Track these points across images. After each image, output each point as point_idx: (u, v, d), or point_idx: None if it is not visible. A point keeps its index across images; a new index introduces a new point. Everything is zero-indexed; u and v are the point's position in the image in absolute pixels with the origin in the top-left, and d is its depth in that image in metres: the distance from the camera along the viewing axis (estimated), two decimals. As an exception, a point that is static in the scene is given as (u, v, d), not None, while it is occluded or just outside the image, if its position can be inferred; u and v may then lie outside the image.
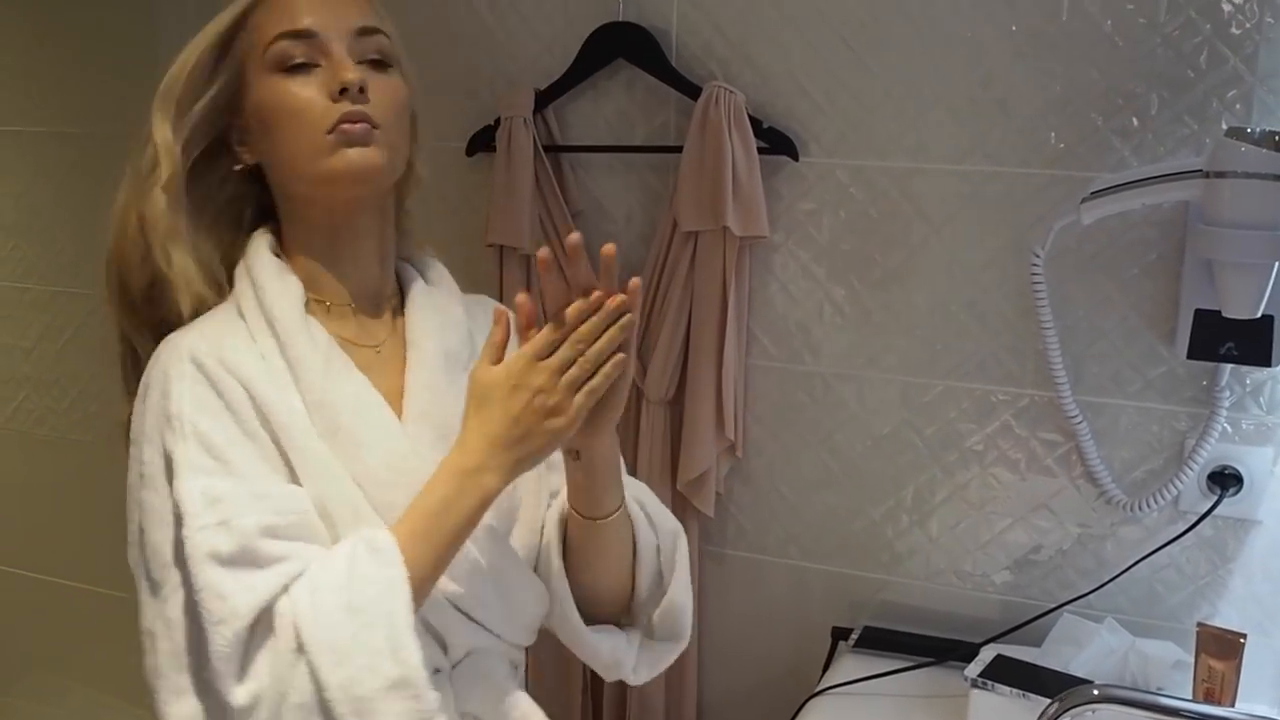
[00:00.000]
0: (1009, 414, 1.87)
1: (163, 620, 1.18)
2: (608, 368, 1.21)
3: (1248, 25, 1.66)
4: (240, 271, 1.32)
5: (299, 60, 1.26)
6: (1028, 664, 1.71)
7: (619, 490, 1.35)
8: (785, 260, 1.96)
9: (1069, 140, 1.77)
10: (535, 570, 1.39)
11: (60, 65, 2.52)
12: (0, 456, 2.77)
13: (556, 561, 1.39)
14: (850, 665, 1.87)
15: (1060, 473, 1.85)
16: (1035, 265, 1.74)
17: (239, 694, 1.13)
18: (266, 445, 1.22)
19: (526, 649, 1.44)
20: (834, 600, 2.03)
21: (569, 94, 2.01)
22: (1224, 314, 1.63)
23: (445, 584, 1.26)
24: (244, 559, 1.15)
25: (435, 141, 2.09)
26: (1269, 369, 1.70)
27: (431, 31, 2.11)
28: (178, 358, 1.22)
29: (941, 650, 1.87)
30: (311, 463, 1.23)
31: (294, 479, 1.23)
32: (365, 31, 1.28)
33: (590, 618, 1.41)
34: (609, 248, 1.19)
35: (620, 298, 1.20)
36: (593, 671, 2.07)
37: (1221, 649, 1.60)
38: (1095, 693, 1.29)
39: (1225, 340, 1.67)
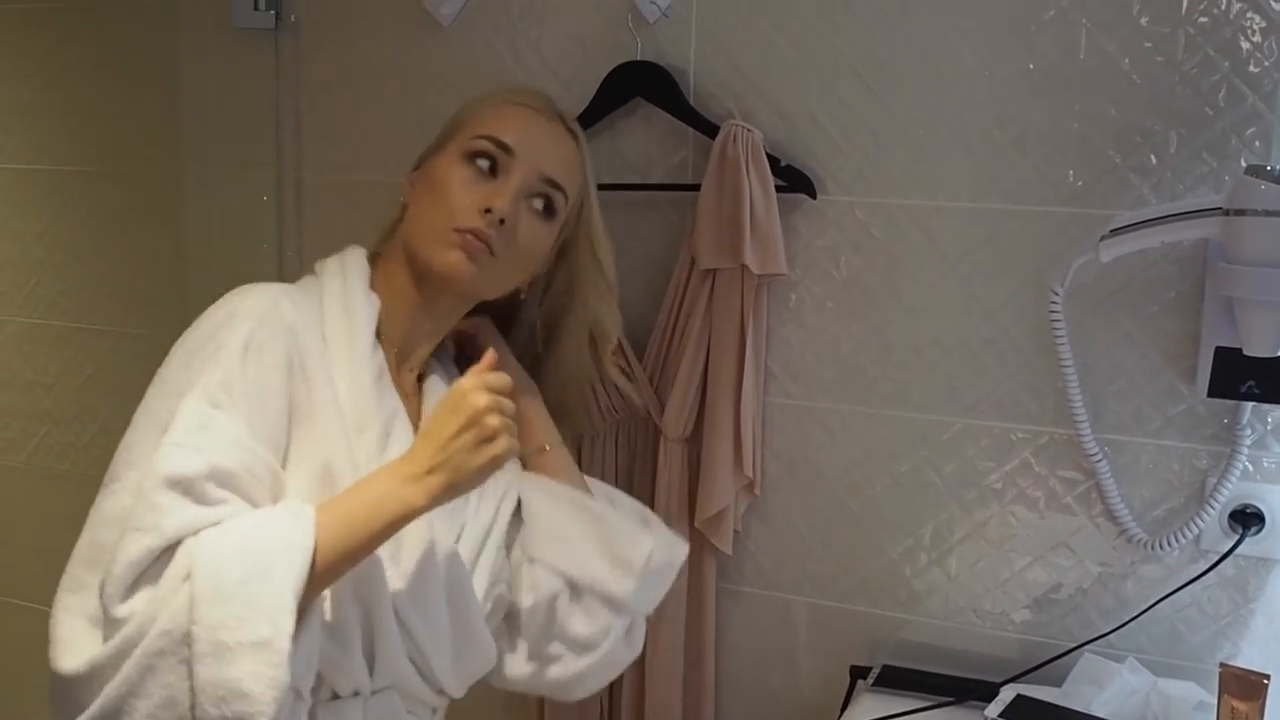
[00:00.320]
0: (1028, 452, 1.86)
1: (98, 513, 1.26)
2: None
3: (1266, 63, 1.66)
4: (335, 268, 1.48)
5: (485, 162, 1.46)
6: (1049, 704, 1.70)
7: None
8: (803, 298, 1.96)
9: (1087, 178, 1.77)
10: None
11: (82, 104, 2.54)
12: (21, 492, 2.77)
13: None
14: (869, 704, 1.86)
15: (1080, 511, 1.84)
16: (1054, 303, 1.73)
17: (120, 607, 1.18)
18: (281, 414, 1.32)
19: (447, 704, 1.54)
20: (852, 639, 2.02)
21: (587, 132, 2.00)
22: (1245, 352, 1.63)
23: (409, 611, 1.34)
24: (193, 490, 1.20)
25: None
26: (1290, 407, 1.70)
27: (451, 72, 2.13)
28: (254, 299, 1.34)
29: (961, 690, 1.85)
30: (317, 449, 1.33)
31: (293, 459, 1.33)
32: (549, 182, 1.48)
33: None
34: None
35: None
36: (610, 703, 2.09)
37: (1245, 690, 1.59)
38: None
39: (1246, 378, 1.66)
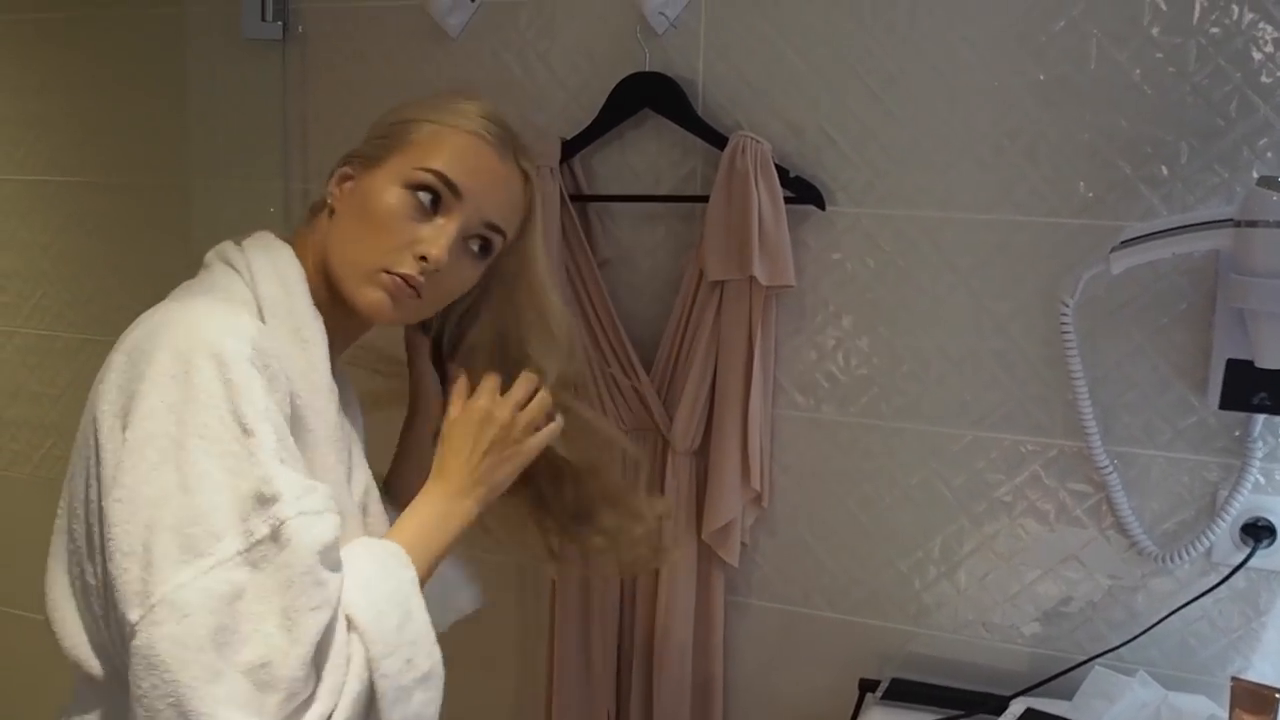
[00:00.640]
0: (1038, 464, 1.85)
1: (211, 596, 1.07)
2: (554, 425, 1.46)
3: (1278, 73, 1.66)
4: (263, 267, 1.30)
5: (428, 197, 1.31)
6: (1059, 717, 1.69)
7: None
8: (812, 310, 1.95)
9: (1098, 189, 1.77)
10: None
11: (89, 115, 2.54)
12: (27, 504, 2.77)
13: None
14: (878, 718, 1.85)
15: (1090, 524, 1.84)
16: (1064, 315, 1.73)
17: (309, 684, 1.13)
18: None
19: None
20: (861, 652, 2.01)
21: (596, 143, 2.02)
22: (1256, 364, 1.62)
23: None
24: (331, 553, 1.17)
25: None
26: (1302, 420, 1.69)
27: (459, 83, 2.12)
28: (235, 339, 1.15)
29: (970, 703, 1.84)
30: (326, 480, 1.25)
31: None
32: (491, 226, 1.36)
33: None
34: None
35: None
36: (618, 717, 2.08)
37: (1256, 704, 1.58)
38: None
39: (1258, 390, 1.66)
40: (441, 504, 1.36)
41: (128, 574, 1.09)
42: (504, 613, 2.24)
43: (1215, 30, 1.68)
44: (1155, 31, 1.71)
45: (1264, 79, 1.67)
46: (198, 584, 1.07)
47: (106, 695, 1.23)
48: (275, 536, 1.11)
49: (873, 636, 2.00)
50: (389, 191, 1.31)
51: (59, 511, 1.28)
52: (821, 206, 1.90)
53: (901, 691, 1.90)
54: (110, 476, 1.13)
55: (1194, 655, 1.81)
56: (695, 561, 2.01)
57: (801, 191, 1.89)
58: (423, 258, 1.29)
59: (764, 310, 1.91)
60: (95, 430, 1.17)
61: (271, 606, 1.10)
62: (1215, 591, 1.76)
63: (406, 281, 1.29)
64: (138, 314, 1.27)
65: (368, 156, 1.35)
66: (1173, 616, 1.78)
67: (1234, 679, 1.61)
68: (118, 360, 1.19)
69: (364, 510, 1.33)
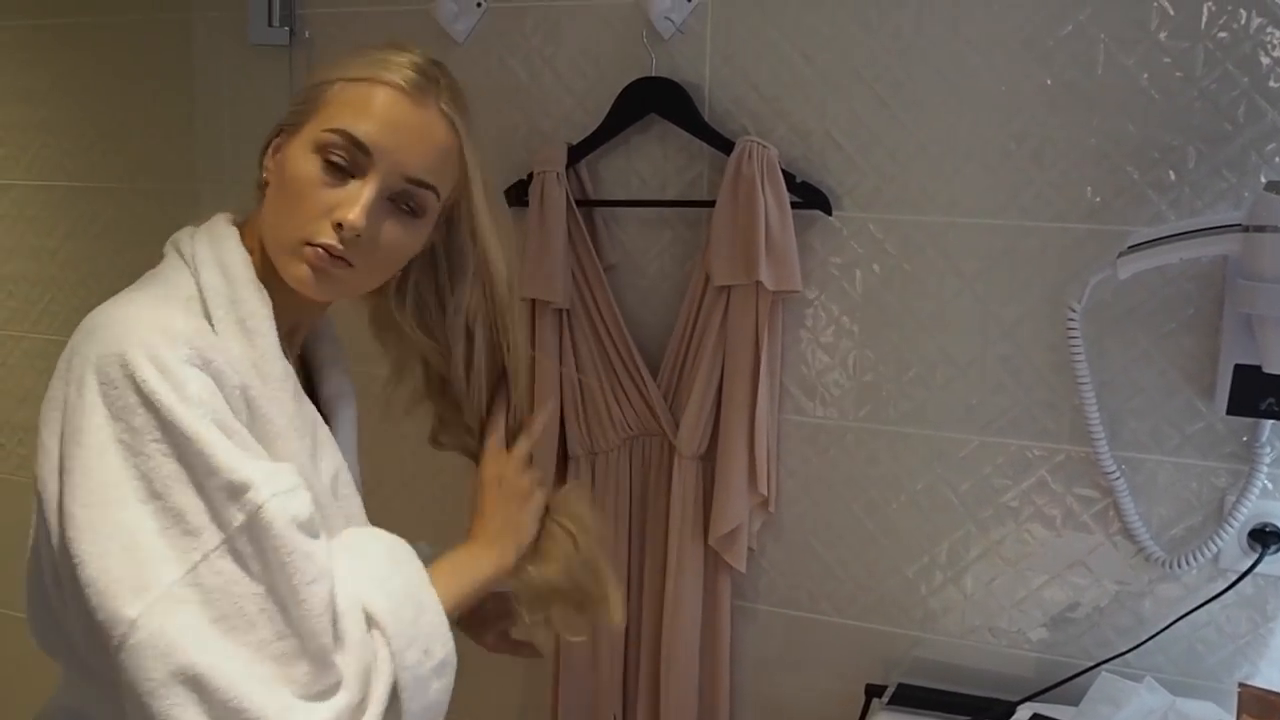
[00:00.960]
0: (1045, 470, 1.85)
1: (192, 585, 1.07)
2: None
3: (1285, 79, 1.66)
4: (205, 257, 1.25)
5: (338, 160, 1.21)
6: (1066, 724, 1.69)
7: None
8: (818, 315, 1.95)
9: (1105, 194, 1.76)
10: None
11: (97, 120, 2.54)
12: (31, 511, 2.77)
13: None
14: (885, 724, 1.86)
15: (1097, 529, 1.83)
16: (1071, 320, 1.73)
17: (342, 662, 1.14)
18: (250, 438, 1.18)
19: None
20: (867, 657, 2.01)
21: (602, 148, 2.02)
22: (1264, 369, 1.62)
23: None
24: (310, 525, 1.15)
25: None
26: (1310, 425, 1.69)
27: (465, 89, 2.12)
28: (168, 341, 1.12)
29: (977, 709, 1.84)
30: (281, 454, 1.22)
31: None
32: (415, 182, 1.24)
33: None
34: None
35: None
36: (625, 715, 2.08)
37: (1264, 710, 1.57)
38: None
39: (1266, 396, 1.65)
40: (476, 552, 1.39)
41: (115, 581, 1.07)
42: (510, 617, 2.24)
43: (1223, 35, 1.68)
44: (1163, 36, 1.71)
45: (1272, 84, 1.66)
46: (188, 579, 1.07)
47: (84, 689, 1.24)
48: (253, 522, 1.09)
49: (879, 642, 2.00)
50: (303, 159, 1.22)
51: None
52: (828, 211, 1.90)
53: (908, 697, 1.90)
54: (73, 484, 1.10)
55: (1201, 661, 1.80)
56: (702, 566, 2.01)
57: (808, 196, 1.89)
58: (339, 225, 1.19)
59: (770, 315, 1.90)
60: (44, 437, 1.17)
61: (269, 586, 1.10)
62: (1223, 597, 1.76)
63: (328, 251, 1.20)
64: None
65: (291, 125, 1.27)
66: (1180, 622, 1.78)
67: (1241, 685, 1.61)
68: (60, 366, 1.18)
69: (334, 494, 1.29)
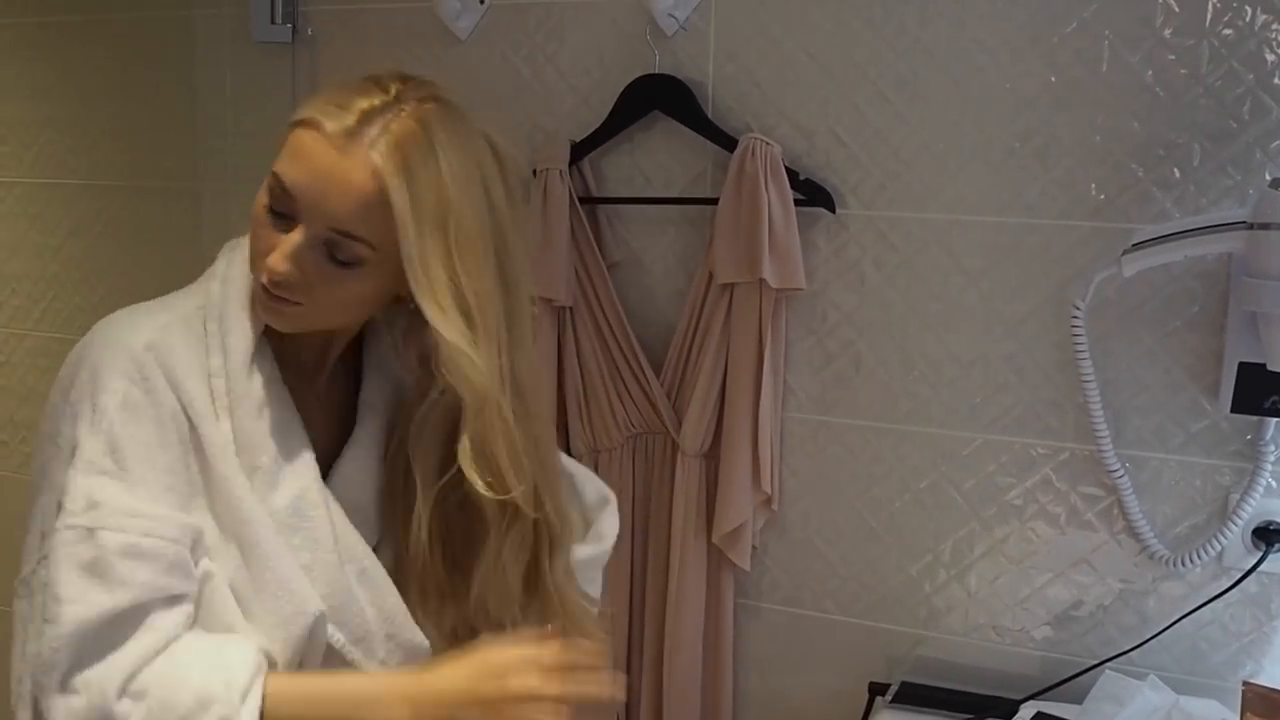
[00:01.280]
0: (1049, 468, 1.85)
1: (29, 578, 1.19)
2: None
3: (1290, 77, 1.66)
4: (219, 270, 1.28)
5: (275, 205, 1.19)
6: (1070, 722, 1.68)
7: None
8: (822, 312, 1.95)
9: (1109, 192, 1.76)
10: None
11: (100, 118, 2.54)
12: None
13: None
14: (888, 722, 1.85)
15: (1101, 527, 1.83)
16: (1075, 318, 1.72)
17: (59, 705, 1.10)
18: (181, 462, 1.19)
19: None
20: (870, 655, 2.01)
21: (605, 146, 2.02)
22: (1269, 367, 1.61)
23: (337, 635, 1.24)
24: (94, 570, 1.13)
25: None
26: (1315, 423, 1.68)
27: (468, 86, 2.12)
28: (123, 351, 1.19)
29: (980, 707, 1.83)
30: (225, 492, 1.20)
31: (209, 501, 1.21)
32: (343, 234, 1.16)
33: None
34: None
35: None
36: (628, 712, 2.08)
37: (1268, 708, 1.57)
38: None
39: (1270, 394, 1.65)
40: (376, 689, 1.21)
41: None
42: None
43: (1228, 32, 1.68)
44: (1168, 33, 1.70)
45: (1277, 81, 1.66)
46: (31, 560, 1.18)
47: None
48: (53, 539, 1.15)
49: (883, 640, 2.00)
50: (259, 197, 1.20)
51: None
52: (832, 209, 1.89)
53: (911, 695, 1.90)
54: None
55: (1205, 659, 1.80)
56: (705, 564, 2.01)
57: (812, 194, 1.89)
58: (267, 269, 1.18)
59: (774, 313, 1.90)
60: None
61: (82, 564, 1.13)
62: (1227, 595, 1.75)
63: (266, 292, 1.19)
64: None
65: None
66: (1184, 620, 1.77)
67: (1245, 683, 1.61)
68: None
69: (297, 513, 1.23)
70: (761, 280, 1.87)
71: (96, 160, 2.58)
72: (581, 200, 2.01)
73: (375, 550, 1.30)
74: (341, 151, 1.15)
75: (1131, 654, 1.81)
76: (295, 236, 1.17)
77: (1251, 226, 1.55)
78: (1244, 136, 1.68)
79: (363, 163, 1.15)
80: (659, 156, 2.02)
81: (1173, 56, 1.70)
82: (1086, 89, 1.75)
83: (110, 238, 2.59)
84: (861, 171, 1.89)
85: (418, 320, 1.22)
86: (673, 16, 1.95)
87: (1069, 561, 1.86)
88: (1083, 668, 1.82)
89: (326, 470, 1.28)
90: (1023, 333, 1.84)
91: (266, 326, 1.24)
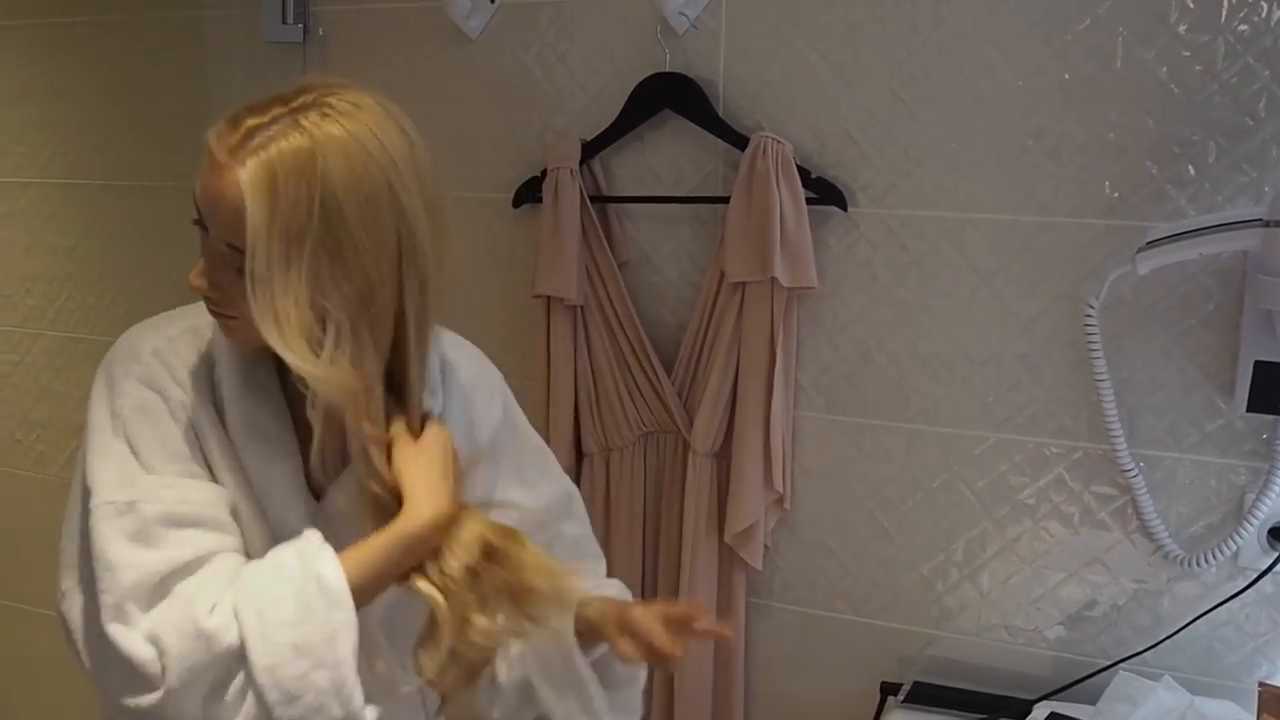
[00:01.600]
0: (1062, 467, 1.84)
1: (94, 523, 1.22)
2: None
3: (1305, 73, 1.64)
4: None
5: (199, 221, 1.22)
6: (1084, 723, 1.68)
7: None
8: (834, 311, 1.94)
9: (1123, 189, 1.75)
10: None
11: (112, 120, 2.55)
12: (53, 505, 2.77)
13: None
14: (901, 722, 1.85)
15: (1115, 527, 1.82)
16: (1089, 316, 1.71)
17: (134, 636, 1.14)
18: (196, 459, 1.25)
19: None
20: (883, 655, 2.00)
21: (616, 145, 2.01)
22: (1284, 366, 1.61)
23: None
24: (140, 538, 1.17)
25: (482, 193, 2.11)
26: (1331, 422, 1.67)
27: (479, 85, 2.12)
28: (134, 359, 1.27)
29: (993, 707, 1.83)
30: (229, 473, 1.26)
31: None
32: (232, 247, 1.17)
33: None
34: None
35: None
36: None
37: (1284, 710, 1.57)
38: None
39: (1286, 393, 1.64)
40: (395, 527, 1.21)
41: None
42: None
43: (1243, 28, 1.66)
44: (1182, 29, 1.69)
45: (1292, 77, 1.65)
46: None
47: None
48: (131, 505, 1.20)
49: (895, 639, 1.99)
50: None
51: None
52: (843, 207, 1.89)
53: (923, 695, 1.89)
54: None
55: (1220, 660, 1.79)
56: (716, 563, 2.00)
57: (823, 192, 1.88)
58: None
59: (785, 311, 1.90)
60: None
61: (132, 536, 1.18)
62: (1242, 596, 1.74)
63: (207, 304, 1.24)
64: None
65: None
66: (1199, 621, 1.76)
67: (1261, 684, 1.60)
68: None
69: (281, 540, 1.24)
70: (773, 279, 1.86)
71: (110, 160, 2.58)
72: (592, 199, 2.01)
73: None
74: (217, 169, 1.16)
75: (1146, 654, 1.80)
76: (207, 251, 1.22)
77: (1267, 224, 1.54)
78: (1260, 133, 1.67)
79: (233, 179, 1.15)
80: (670, 155, 2.02)
81: (1187, 53, 1.69)
82: (1100, 86, 1.74)
83: (124, 238, 2.60)
84: (873, 170, 1.89)
85: None
86: (684, 15, 1.94)
87: (1082, 561, 1.85)
88: (1097, 668, 1.82)
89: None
90: (1036, 331, 1.83)
91: None
